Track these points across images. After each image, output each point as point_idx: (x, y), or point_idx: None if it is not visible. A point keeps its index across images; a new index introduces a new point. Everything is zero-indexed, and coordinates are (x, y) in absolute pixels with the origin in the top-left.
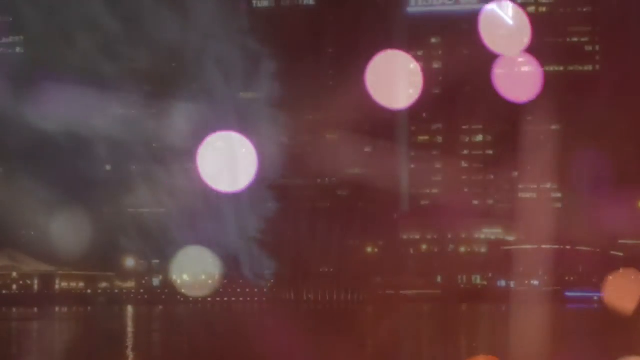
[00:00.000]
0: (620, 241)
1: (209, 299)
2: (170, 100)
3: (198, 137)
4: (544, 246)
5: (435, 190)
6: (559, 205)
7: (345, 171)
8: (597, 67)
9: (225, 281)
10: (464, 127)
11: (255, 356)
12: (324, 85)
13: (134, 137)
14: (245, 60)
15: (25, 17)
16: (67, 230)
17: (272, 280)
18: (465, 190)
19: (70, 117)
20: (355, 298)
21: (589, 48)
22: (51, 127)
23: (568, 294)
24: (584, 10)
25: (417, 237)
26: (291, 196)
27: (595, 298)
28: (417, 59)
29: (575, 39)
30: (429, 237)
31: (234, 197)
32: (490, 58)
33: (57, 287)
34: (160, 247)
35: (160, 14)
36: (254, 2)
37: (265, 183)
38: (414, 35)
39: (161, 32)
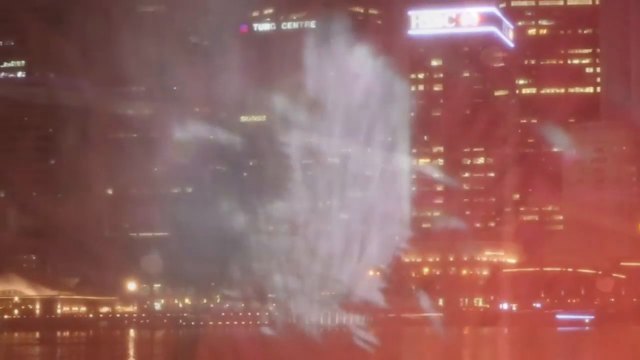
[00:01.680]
0: (623, 263)
1: (211, 322)
2: (170, 128)
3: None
4: (546, 269)
5: (436, 213)
6: (560, 227)
7: (347, 194)
8: (598, 89)
9: (227, 305)
10: (466, 149)
11: None
12: (321, 106)
13: (134, 160)
14: (244, 83)
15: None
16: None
17: (273, 304)
18: (467, 212)
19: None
20: (358, 321)
21: (589, 70)
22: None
23: (559, 316)
24: (585, 32)
25: (419, 259)
26: (291, 221)
27: (587, 320)
28: (418, 81)
29: (576, 61)
30: (430, 259)
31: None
32: (491, 80)
33: (58, 311)
34: (163, 271)
35: (159, 33)
36: (255, 25)
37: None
38: (415, 58)
39: (159, 51)
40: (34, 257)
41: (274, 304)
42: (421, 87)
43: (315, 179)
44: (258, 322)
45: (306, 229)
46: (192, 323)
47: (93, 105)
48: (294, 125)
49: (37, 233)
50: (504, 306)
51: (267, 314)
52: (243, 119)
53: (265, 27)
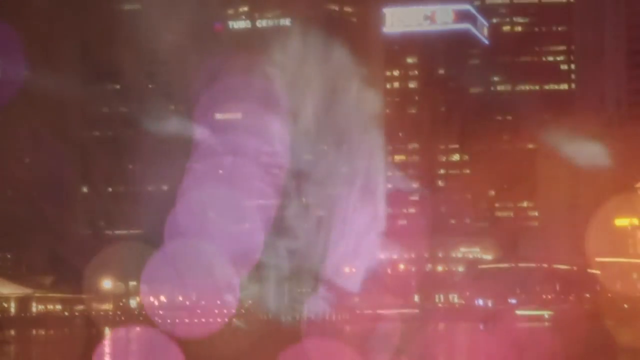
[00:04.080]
0: (597, 259)
1: (186, 320)
2: (145, 125)
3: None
4: (521, 265)
5: (412, 210)
6: (535, 223)
7: (324, 191)
8: (573, 86)
9: (204, 302)
10: (441, 146)
11: None
12: (297, 104)
13: (109, 157)
14: (219, 80)
15: None
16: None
17: (249, 301)
18: (442, 209)
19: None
20: (334, 318)
21: (564, 67)
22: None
23: (518, 312)
24: (559, 29)
25: (395, 256)
26: (267, 217)
27: (546, 316)
28: (394, 78)
29: (550, 58)
30: (406, 256)
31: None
32: (466, 77)
33: (33, 309)
34: (137, 268)
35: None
36: (230, 23)
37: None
38: (390, 55)
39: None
40: (8, 256)
41: (250, 300)
42: (396, 84)
43: (290, 176)
44: (234, 319)
45: (282, 226)
46: (168, 320)
47: (68, 102)
48: (268, 122)
49: (12, 231)
50: (480, 302)
51: (243, 310)
52: (218, 116)
53: (240, 24)
